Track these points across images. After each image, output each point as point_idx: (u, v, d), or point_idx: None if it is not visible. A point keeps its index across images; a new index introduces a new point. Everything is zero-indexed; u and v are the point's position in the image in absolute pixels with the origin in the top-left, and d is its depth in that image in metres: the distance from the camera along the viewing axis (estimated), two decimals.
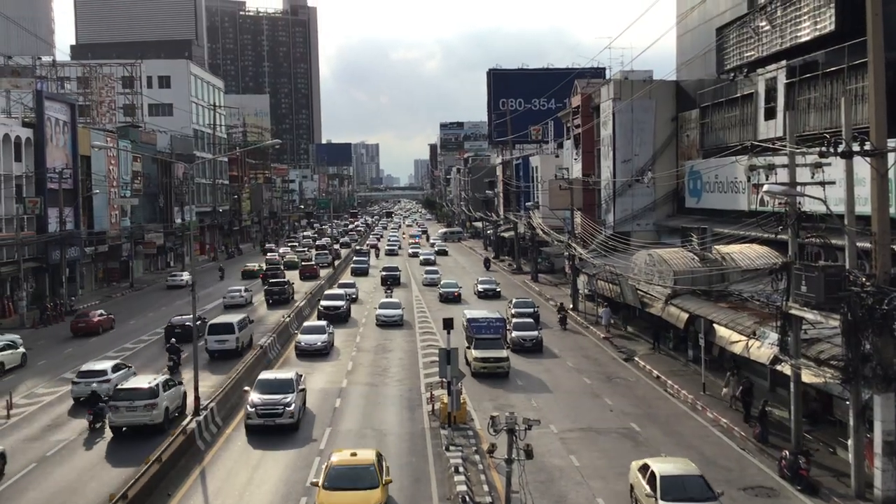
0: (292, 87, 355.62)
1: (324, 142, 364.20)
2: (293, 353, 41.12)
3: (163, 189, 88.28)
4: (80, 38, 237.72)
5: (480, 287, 62.29)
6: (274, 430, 27.69)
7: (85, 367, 33.07)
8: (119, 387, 28.62)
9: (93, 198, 67.98)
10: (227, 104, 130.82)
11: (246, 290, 58.92)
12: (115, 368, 32.87)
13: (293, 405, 28.21)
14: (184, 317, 43.80)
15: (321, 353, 40.88)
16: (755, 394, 29.19)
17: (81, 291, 65.41)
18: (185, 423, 27.06)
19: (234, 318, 42.20)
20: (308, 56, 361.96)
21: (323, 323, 44.39)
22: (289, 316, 48.91)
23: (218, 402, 29.64)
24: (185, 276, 70.02)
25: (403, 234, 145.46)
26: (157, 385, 28.27)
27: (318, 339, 41.32)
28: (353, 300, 57.84)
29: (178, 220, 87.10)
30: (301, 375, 31.25)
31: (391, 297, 56.69)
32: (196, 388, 29.06)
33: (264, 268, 76.42)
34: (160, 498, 21.86)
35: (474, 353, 36.39)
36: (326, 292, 56.28)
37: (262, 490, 22.95)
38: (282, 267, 78.71)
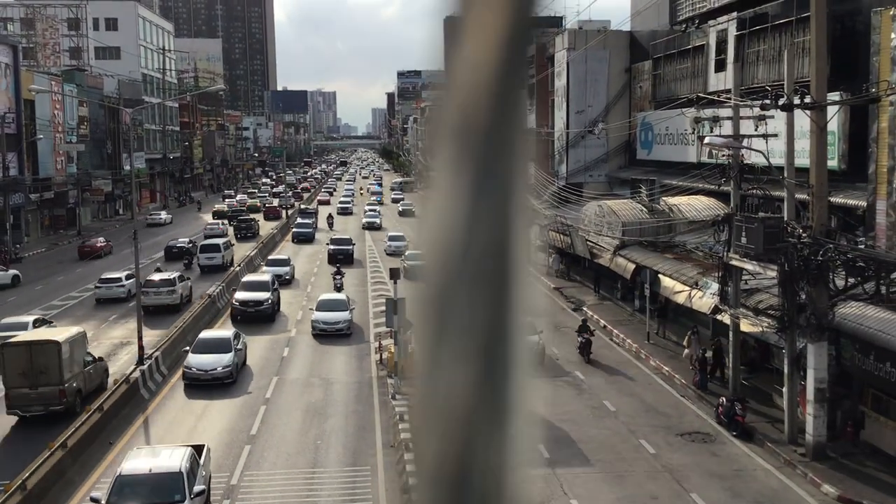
0: (246, 31, 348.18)
1: (279, 89, 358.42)
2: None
3: (110, 135, 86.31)
4: None
5: None
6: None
7: (104, 276, 42.18)
8: (148, 278, 38.88)
9: (37, 143, 66.20)
10: (178, 48, 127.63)
11: (223, 224, 69.75)
12: (128, 277, 40.36)
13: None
14: (179, 240, 56.24)
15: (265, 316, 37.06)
16: (724, 356, 27.29)
17: (27, 239, 64.09)
18: (128, 371, 26.87)
19: (219, 240, 54.03)
20: None
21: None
22: (254, 250, 56.21)
23: (164, 350, 29.49)
24: (164, 214, 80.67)
25: (361, 189, 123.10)
26: (175, 278, 39.78)
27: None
28: (289, 282, 45.51)
29: (127, 167, 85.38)
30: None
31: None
32: (140, 339, 28.78)
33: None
34: (102, 446, 21.75)
35: None
36: (245, 278, 39.96)
37: (205, 438, 22.93)
38: (245, 209, 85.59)
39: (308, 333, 34.55)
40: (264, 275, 41.22)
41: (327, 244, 55.28)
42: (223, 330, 32.22)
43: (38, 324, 31.38)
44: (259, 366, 30.24)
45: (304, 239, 65.11)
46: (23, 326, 30.54)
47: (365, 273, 50.06)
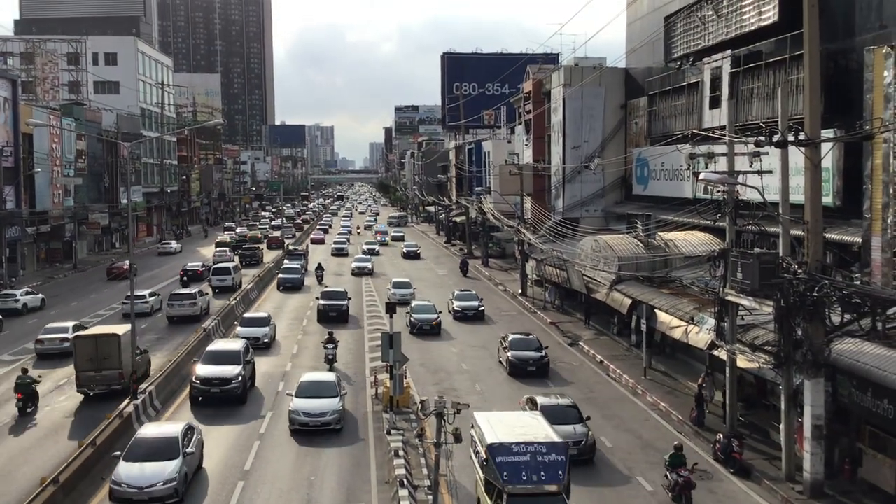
0: (245, 66, 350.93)
1: (277, 123, 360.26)
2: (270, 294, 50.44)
3: (108, 168, 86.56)
4: (23, 13, 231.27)
5: (457, 305, 46.99)
6: (215, 405, 28.48)
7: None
8: (173, 292, 46.49)
9: (34, 176, 66.36)
10: (177, 83, 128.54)
11: (230, 251, 73.71)
12: (150, 294, 48.27)
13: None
14: (194, 264, 62.73)
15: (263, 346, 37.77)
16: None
17: (23, 272, 63.93)
18: (122, 406, 26.68)
19: (230, 265, 59.14)
20: (262, 35, 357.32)
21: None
22: (258, 276, 60.06)
23: (157, 385, 29.29)
24: (174, 244, 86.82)
25: (358, 227, 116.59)
26: (196, 293, 46.24)
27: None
28: (268, 346, 38.45)
29: (124, 201, 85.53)
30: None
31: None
32: (133, 372, 28.63)
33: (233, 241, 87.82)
34: (94, 482, 21.49)
35: None
36: (211, 346, 32.34)
37: (199, 474, 22.74)
38: (248, 239, 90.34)
39: (287, 422, 26.64)
40: (235, 341, 32.97)
41: (317, 298, 47.38)
42: (171, 424, 24.32)
43: (76, 328, 36.86)
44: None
45: (291, 286, 57.23)
46: (64, 330, 37.18)
47: (362, 338, 41.04)
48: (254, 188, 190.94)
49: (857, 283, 22.22)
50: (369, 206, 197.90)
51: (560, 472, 17.17)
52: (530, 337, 35.91)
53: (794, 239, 22.24)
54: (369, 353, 37.02)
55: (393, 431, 25.09)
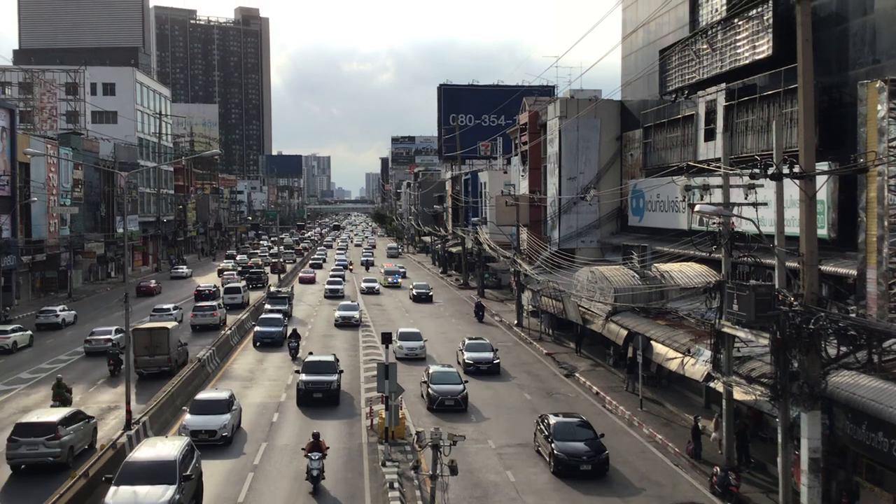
0: (243, 97, 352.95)
1: (274, 153, 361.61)
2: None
3: (105, 198, 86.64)
4: (23, 43, 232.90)
5: (469, 357, 40.29)
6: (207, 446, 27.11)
7: (157, 307, 54.72)
8: (197, 305, 54.66)
9: (31, 206, 66.43)
10: (175, 113, 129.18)
11: (237, 274, 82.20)
12: (174, 308, 54.38)
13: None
14: (206, 285, 67.62)
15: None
16: (748, 437, 26.05)
17: (17, 301, 63.74)
18: (115, 437, 26.46)
19: (239, 284, 67.25)
20: (259, 66, 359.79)
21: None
22: (264, 298, 62.97)
23: (151, 416, 29.08)
24: (185, 269, 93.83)
25: (351, 266, 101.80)
26: (217, 304, 55.40)
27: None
28: (228, 442, 28.25)
29: (120, 230, 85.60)
30: (192, 451, 22.53)
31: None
32: (128, 402, 28.46)
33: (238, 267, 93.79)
34: None
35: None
36: (134, 453, 21.82)
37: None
38: (251, 266, 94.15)
39: None
40: (168, 445, 22.16)
41: (296, 371, 35.45)
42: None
43: (117, 332, 43.62)
44: (245, 430, 29.31)
45: (270, 342, 46.57)
46: (108, 332, 44.58)
47: (358, 434, 29.62)
48: (250, 217, 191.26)
49: (853, 315, 22.20)
50: (366, 237, 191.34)
51: None
52: (578, 420, 27.59)
53: (789, 271, 22.27)
54: (364, 384, 36.84)
55: (388, 463, 24.93)
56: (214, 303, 55.42)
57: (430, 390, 32.91)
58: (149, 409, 29.77)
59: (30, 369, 40.85)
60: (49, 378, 36.88)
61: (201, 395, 30.61)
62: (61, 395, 31.61)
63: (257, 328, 48.48)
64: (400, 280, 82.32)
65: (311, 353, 38.64)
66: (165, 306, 54.22)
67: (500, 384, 37.93)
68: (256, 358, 44.04)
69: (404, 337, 44.50)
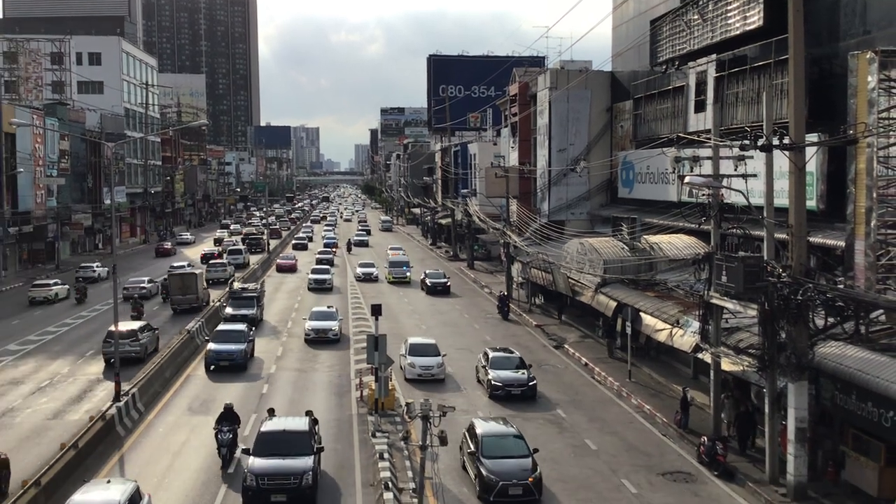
0: (230, 67, 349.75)
1: (262, 124, 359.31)
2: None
3: (91, 169, 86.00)
4: (6, 12, 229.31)
5: (494, 376, 30.60)
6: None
7: (173, 265, 61.44)
8: (210, 262, 65.30)
9: (17, 177, 65.88)
10: (162, 83, 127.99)
11: (238, 241, 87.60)
12: (188, 265, 61.47)
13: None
14: (211, 249, 79.11)
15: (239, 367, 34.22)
16: (756, 420, 24.73)
17: (4, 273, 63.41)
18: (104, 408, 26.48)
19: (241, 247, 77.22)
20: (247, 36, 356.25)
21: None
22: (262, 261, 73.51)
23: (140, 387, 29.10)
24: (188, 234, 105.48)
25: (335, 248, 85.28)
26: (226, 262, 65.10)
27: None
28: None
29: (107, 201, 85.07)
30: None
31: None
32: (117, 374, 28.43)
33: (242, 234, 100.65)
34: (75, 483, 21.24)
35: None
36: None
37: (184, 477, 22.57)
38: (251, 232, 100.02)
39: None
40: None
41: (244, 451, 21.91)
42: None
43: (150, 282, 55.10)
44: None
45: (229, 364, 33.77)
46: (141, 281, 54.82)
47: (348, 405, 29.33)
48: (238, 189, 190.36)
49: (841, 286, 22.31)
50: (356, 210, 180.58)
51: None
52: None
53: (778, 242, 22.34)
54: (354, 356, 36.91)
55: (378, 434, 25.02)
56: (224, 261, 65.39)
57: (483, 473, 21.10)
58: (138, 381, 29.78)
59: (87, 309, 50.35)
60: (99, 316, 47.33)
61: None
62: (137, 309, 44.45)
63: (212, 345, 34.52)
64: (408, 274, 63.52)
65: (269, 416, 23.89)
66: (179, 263, 63.19)
67: None
68: (201, 393, 31.23)
69: (416, 351, 33.38)
